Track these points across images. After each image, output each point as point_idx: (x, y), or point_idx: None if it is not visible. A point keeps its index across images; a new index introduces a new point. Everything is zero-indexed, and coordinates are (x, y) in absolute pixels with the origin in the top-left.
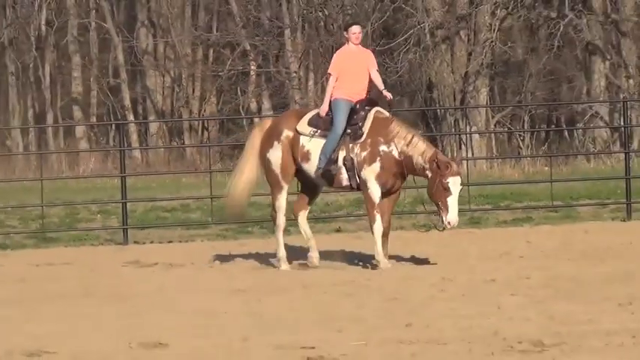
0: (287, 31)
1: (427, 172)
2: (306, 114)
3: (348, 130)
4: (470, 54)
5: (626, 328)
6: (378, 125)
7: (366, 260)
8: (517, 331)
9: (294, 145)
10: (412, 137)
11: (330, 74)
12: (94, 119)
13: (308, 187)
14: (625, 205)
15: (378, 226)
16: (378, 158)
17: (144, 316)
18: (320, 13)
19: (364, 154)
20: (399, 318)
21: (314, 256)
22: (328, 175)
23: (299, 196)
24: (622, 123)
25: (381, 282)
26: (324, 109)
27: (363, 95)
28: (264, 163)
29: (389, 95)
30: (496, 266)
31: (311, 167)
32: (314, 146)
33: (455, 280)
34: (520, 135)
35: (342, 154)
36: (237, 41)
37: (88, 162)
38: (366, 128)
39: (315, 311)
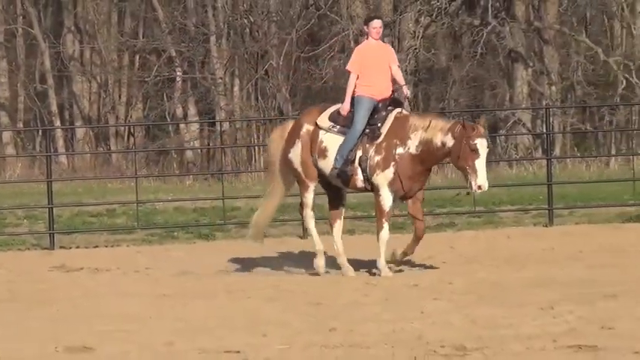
0: (212, 38)
1: (448, 144)
2: (329, 108)
3: (367, 130)
4: None
5: (547, 332)
6: (397, 126)
7: (291, 265)
8: (440, 335)
9: (313, 139)
10: (430, 121)
11: (349, 71)
12: (20, 125)
13: (333, 195)
14: (547, 211)
15: (385, 234)
16: (393, 163)
17: (70, 321)
18: (245, 20)
19: (378, 158)
20: (322, 322)
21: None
22: (344, 175)
23: (331, 210)
24: (544, 130)
25: (305, 287)
26: (345, 107)
27: (387, 92)
28: (288, 163)
29: (407, 91)
30: (419, 271)
31: (327, 165)
32: (331, 142)
33: (378, 285)
34: None
35: (358, 154)
36: (163, 48)
37: (15, 167)
38: (384, 129)
39: (240, 316)
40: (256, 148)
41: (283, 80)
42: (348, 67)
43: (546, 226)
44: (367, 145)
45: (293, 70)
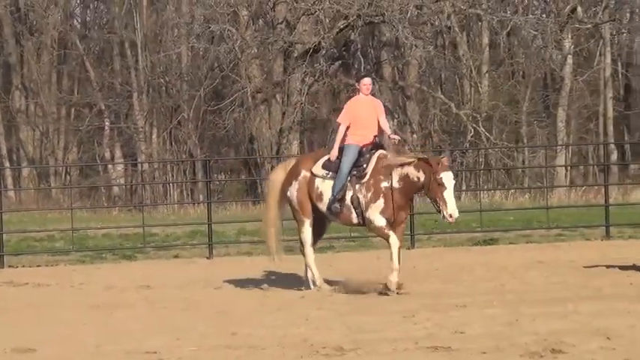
0: (135, 94)
1: (422, 179)
2: (321, 157)
3: (354, 172)
4: (284, 113)
5: (409, 336)
6: (380, 165)
7: (200, 280)
8: (322, 338)
9: (310, 185)
10: (402, 158)
11: (339, 123)
12: None
13: (317, 222)
14: (409, 237)
15: (394, 240)
16: (381, 195)
17: (16, 327)
18: (162, 80)
19: (369, 194)
20: (226, 328)
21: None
22: (336, 212)
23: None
24: None
25: (211, 298)
26: (333, 154)
27: (371, 139)
28: (287, 199)
29: (397, 137)
30: (306, 285)
31: (323, 206)
32: (326, 187)
33: (273, 297)
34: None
35: (349, 194)
36: (94, 102)
37: None
38: (369, 169)
39: (157, 323)
40: (171, 184)
41: (193, 129)
42: (338, 120)
43: (409, 248)
44: (357, 186)
45: (201, 120)
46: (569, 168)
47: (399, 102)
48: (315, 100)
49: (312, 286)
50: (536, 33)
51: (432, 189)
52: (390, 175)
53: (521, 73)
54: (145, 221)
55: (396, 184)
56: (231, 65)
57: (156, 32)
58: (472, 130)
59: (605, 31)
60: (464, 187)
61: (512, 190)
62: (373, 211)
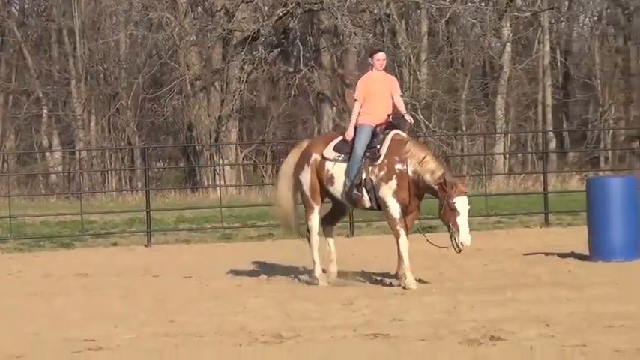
0: (73, 82)
1: (439, 193)
2: (333, 140)
3: (367, 153)
4: (222, 101)
5: (348, 323)
6: (395, 147)
7: (138, 268)
8: (260, 326)
9: (320, 169)
10: (425, 156)
11: (355, 100)
12: None
13: (337, 208)
14: (348, 224)
15: (404, 241)
16: (395, 176)
17: None
18: (100, 67)
19: (382, 173)
20: (164, 315)
21: (333, 270)
22: (353, 198)
23: (326, 225)
24: None
25: (149, 286)
26: (349, 134)
27: (384, 118)
28: (298, 183)
29: (410, 119)
30: (243, 273)
31: (336, 190)
32: (338, 170)
33: (210, 285)
34: (263, 167)
35: (362, 177)
36: (32, 89)
37: None
38: (383, 150)
39: (96, 310)
40: (109, 172)
41: (131, 117)
42: (355, 97)
43: (348, 236)
44: (370, 168)
45: (139, 108)
46: (507, 156)
47: (338, 89)
48: (253, 88)
49: (319, 282)
50: (475, 21)
51: (444, 213)
52: (406, 160)
53: (460, 61)
54: (83, 209)
55: (410, 172)
56: (170, 53)
57: (94, 19)
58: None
59: (543, 20)
60: None
61: None
62: (386, 191)
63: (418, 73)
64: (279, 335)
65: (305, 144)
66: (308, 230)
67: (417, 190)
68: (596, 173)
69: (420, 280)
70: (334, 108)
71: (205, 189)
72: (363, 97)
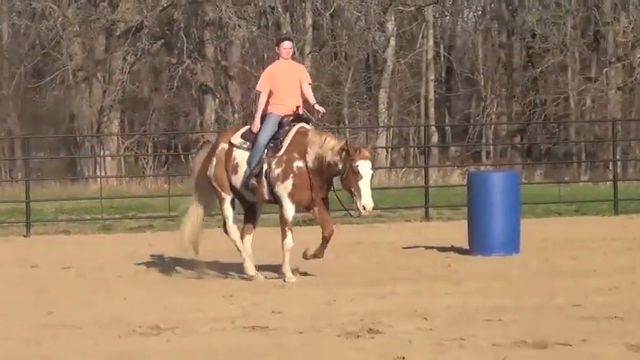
0: None
1: (339, 165)
2: (242, 128)
3: (271, 144)
4: (105, 92)
5: (227, 315)
6: (298, 140)
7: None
8: (139, 317)
9: (227, 157)
10: (325, 138)
11: (259, 92)
12: None
13: (248, 211)
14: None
15: (288, 242)
16: (291, 175)
17: None
18: None
19: (278, 170)
20: (42, 307)
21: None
22: (252, 187)
23: (244, 224)
24: None
25: (27, 277)
26: (255, 125)
27: (294, 109)
28: (208, 180)
29: (321, 109)
30: (124, 265)
31: (237, 180)
32: (242, 158)
33: (90, 276)
34: (144, 158)
35: (264, 168)
36: None
37: None
38: (285, 143)
39: None
40: None
41: (12, 107)
42: (257, 88)
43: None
44: (270, 159)
45: (21, 98)
46: (389, 149)
47: (222, 82)
48: (136, 79)
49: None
50: (359, 15)
51: (347, 177)
52: (307, 152)
53: (343, 54)
54: None
55: (310, 164)
56: (53, 43)
57: None
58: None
59: (428, 14)
60: None
61: None
62: (281, 191)
63: None
64: (157, 327)
65: (209, 143)
66: (224, 221)
67: (321, 179)
68: (477, 167)
69: (303, 274)
70: (217, 100)
71: (86, 180)
72: (267, 88)
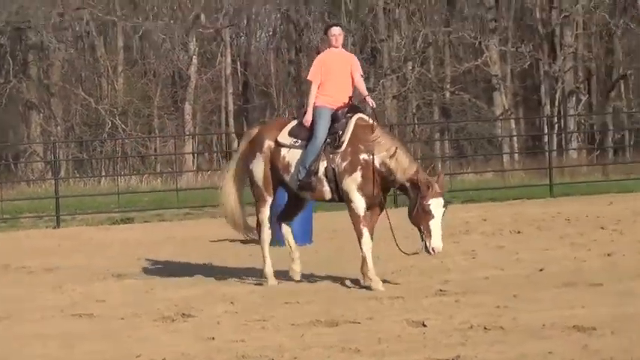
0: None
1: (405, 185)
2: (287, 124)
3: (328, 140)
4: None
5: (56, 305)
6: (360, 133)
7: None
8: None
9: (275, 156)
10: (396, 149)
11: (310, 81)
12: None
13: (293, 201)
14: (55, 217)
15: (366, 241)
16: (359, 167)
17: None
18: None
19: (344, 163)
20: None
21: (295, 268)
22: (309, 187)
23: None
24: (52, 158)
25: None
26: (307, 118)
27: (345, 100)
28: (248, 173)
29: (372, 102)
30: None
31: (292, 179)
32: (294, 157)
33: None
34: None
35: (323, 165)
36: None
37: None
38: (346, 137)
39: None
40: None
41: None
42: (309, 77)
43: (55, 228)
44: (331, 155)
45: None
46: (196, 155)
47: (45, 98)
48: None
49: (268, 281)
50: (164, 37)
51: (416, 215)
52: (373, 148)
53: (152, 72)
54: None
55: (377, 163)
56: None
57: None
58: (110, 122)
59: (225, 35)
60: (103, 173)
61: (146, 175)
62: (349, 184)
63: (115, 83)
64: None
65: (255, 131)
66: (258, 224)
67: (383, 182)
68: None
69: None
70: (41, 114)
71: None
72: (319, 78)
